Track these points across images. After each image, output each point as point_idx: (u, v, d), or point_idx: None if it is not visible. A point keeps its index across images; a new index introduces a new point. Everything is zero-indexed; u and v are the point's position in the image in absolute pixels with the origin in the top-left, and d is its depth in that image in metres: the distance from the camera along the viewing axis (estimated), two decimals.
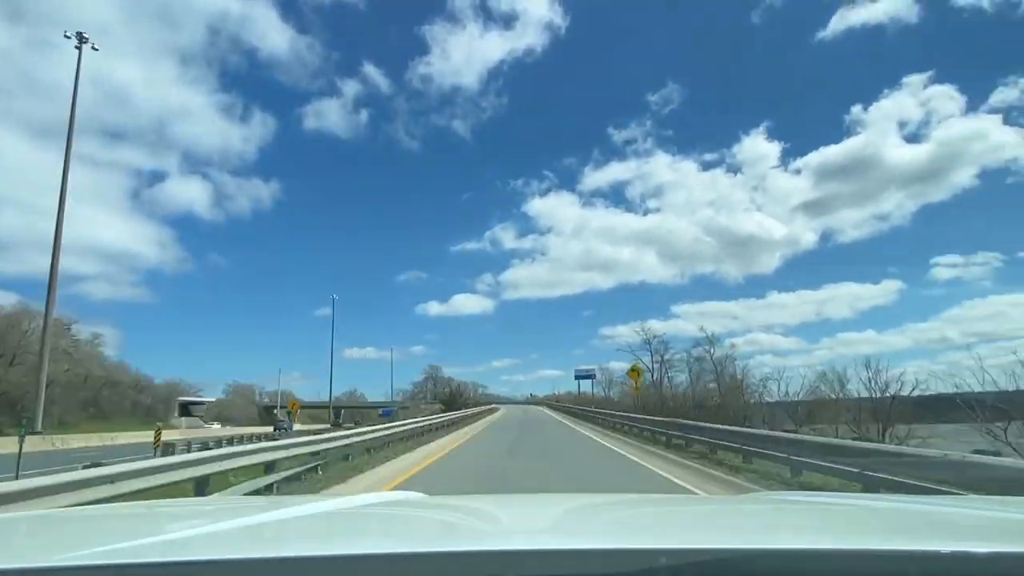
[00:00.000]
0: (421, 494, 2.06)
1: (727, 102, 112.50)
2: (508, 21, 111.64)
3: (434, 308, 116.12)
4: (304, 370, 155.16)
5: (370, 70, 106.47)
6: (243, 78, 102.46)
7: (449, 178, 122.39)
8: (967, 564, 0.86)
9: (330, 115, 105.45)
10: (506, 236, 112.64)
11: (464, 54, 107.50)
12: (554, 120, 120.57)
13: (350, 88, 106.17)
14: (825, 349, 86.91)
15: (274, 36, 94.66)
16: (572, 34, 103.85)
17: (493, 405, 60.70)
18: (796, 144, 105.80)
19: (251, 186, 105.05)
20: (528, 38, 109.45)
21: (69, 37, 31.59)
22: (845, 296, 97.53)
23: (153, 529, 1.35)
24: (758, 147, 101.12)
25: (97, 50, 32.40)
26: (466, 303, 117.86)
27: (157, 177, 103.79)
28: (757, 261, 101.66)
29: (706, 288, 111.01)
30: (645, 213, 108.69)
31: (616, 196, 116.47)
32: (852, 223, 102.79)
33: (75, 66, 31.14)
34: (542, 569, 0.86)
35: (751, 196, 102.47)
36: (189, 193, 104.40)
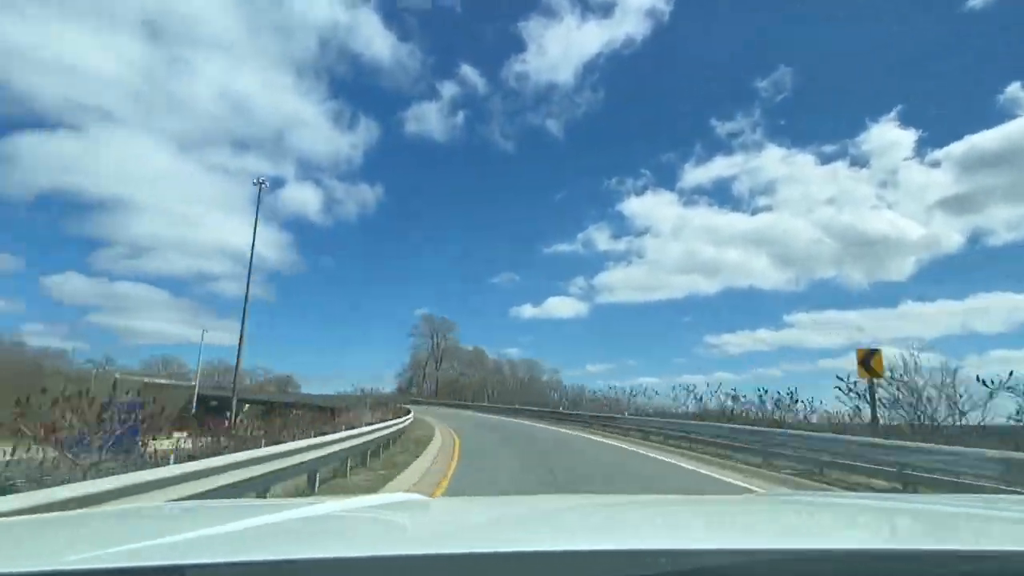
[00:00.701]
0: (423, 496, 2.06)
1: (850, 86, 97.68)
2: (607, 10, 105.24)
3: (528, 311, 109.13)
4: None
5: (467, 71, 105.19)
6: (349, 86, 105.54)
7: (542, 178, 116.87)
8: (966, 563, 0.85)
9: (429, 119, 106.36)
10: (600, 237, 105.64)
11: (560, 48, 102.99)
12: (652, 114, 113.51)
13: (448, 90, 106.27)
14: (972, 367, 58.67)
15: (378, 43, 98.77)
16: (675, 19, 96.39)
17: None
18: (936, 132, 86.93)
19: (357, 191, 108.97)
20: (627, 26, 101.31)
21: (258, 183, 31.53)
22: (999, 307, 75.76)
23: (152, 532, 1.34)
24: (888, 136, 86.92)
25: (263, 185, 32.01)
26: (560, 306, 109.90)
27: (277, 184, 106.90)
28: (887, 266, 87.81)
29: (825, 295, 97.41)
30: (754, 212, 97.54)
31: (721, 194, 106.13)
32: (1008, 222, 79.59)
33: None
34: (543, 571, 0.87)
35: (879, 192, 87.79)
36: (303, 198, 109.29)
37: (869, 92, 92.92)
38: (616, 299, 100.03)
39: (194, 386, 48.46)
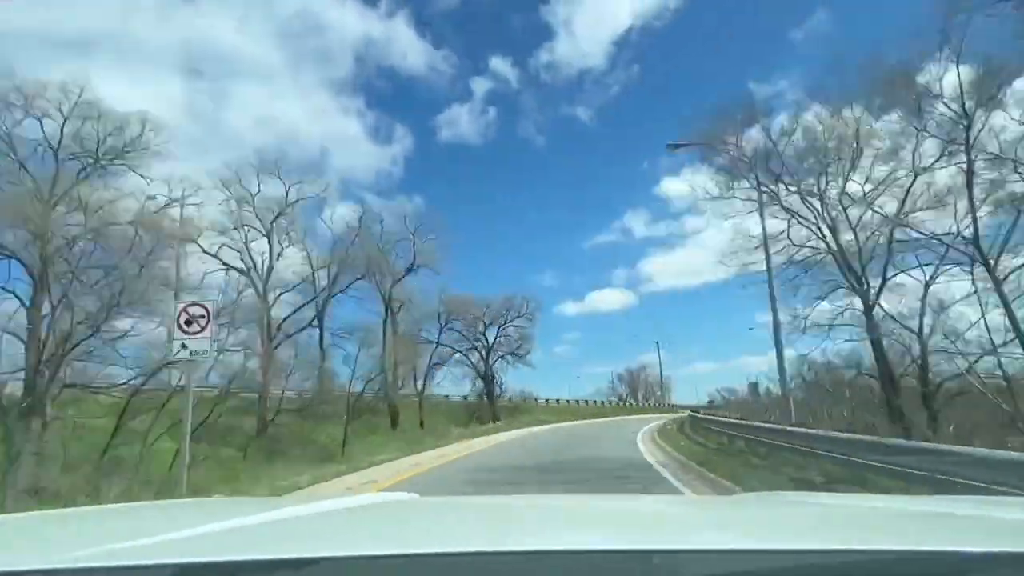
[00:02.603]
0: (416, 495, 2.06)
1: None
2: None
3: (571, 308, 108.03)
4: None
5: (497, 64, 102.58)
6: (386, 98, 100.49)
7: (575, 169, 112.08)
8: (962, 564, 0.85)
9: (462, 121, 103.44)
10: (638, 223, 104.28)
11: (590, 25, 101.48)
12: (686, 87, 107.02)
13: (480, 86, 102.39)
14: None
15: (411, 52, 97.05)
16: None
17: None
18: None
19: (396, 206, 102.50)
20: None
21: None
22: None
23: (148, 530, 1.34)
24: (946, 85, 74.48)
25: None
26: (604, 299, 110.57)
27: (318, 206, 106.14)
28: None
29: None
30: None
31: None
32: None
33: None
34: (536, 570, 0.86)
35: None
36: (346, 218, 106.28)
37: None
38: (663, 286, 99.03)
39: None
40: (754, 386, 30.79)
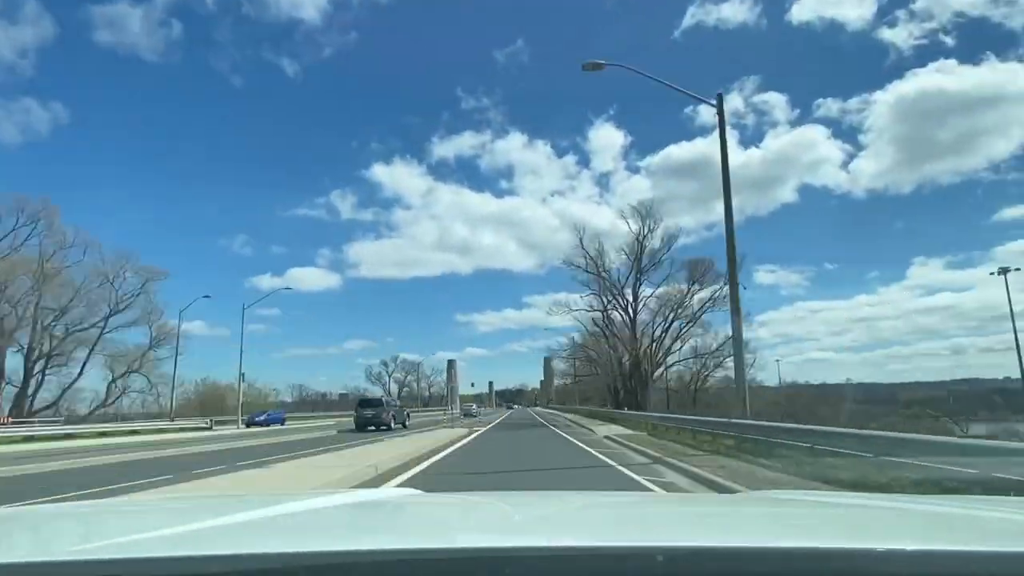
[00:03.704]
0: (419, 491, 2.06)
1: (579, 89, 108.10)
2: None
3: (267, 281, 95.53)
4: None
5: None
6: None
7: (277, 126, 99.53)
8: (966, 563, 0.85)
9: (132, 27, 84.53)
10: (345, 205, 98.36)
11: None
12: (404, 72, 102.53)
13: None
14: None
15: None
16: None
17: None
18: (640, 139, 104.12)
19: (19, 108, 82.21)
20: None
21: None
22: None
23: (153, 524, 1.34)
24: (606, 136, 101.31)
25: None
26: (307, 277, 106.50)
27: None
28: (608, 256, 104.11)
29: (562, 281, 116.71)
30: (501, 195, 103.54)
31: (469, 171, 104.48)
32: (689, 224, 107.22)
33: None
34: (539, 566, 0.86)
35: (600, 191, 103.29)
36: None
37: (592, 97, 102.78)
38: (371, 273, 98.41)
39: None
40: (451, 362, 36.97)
